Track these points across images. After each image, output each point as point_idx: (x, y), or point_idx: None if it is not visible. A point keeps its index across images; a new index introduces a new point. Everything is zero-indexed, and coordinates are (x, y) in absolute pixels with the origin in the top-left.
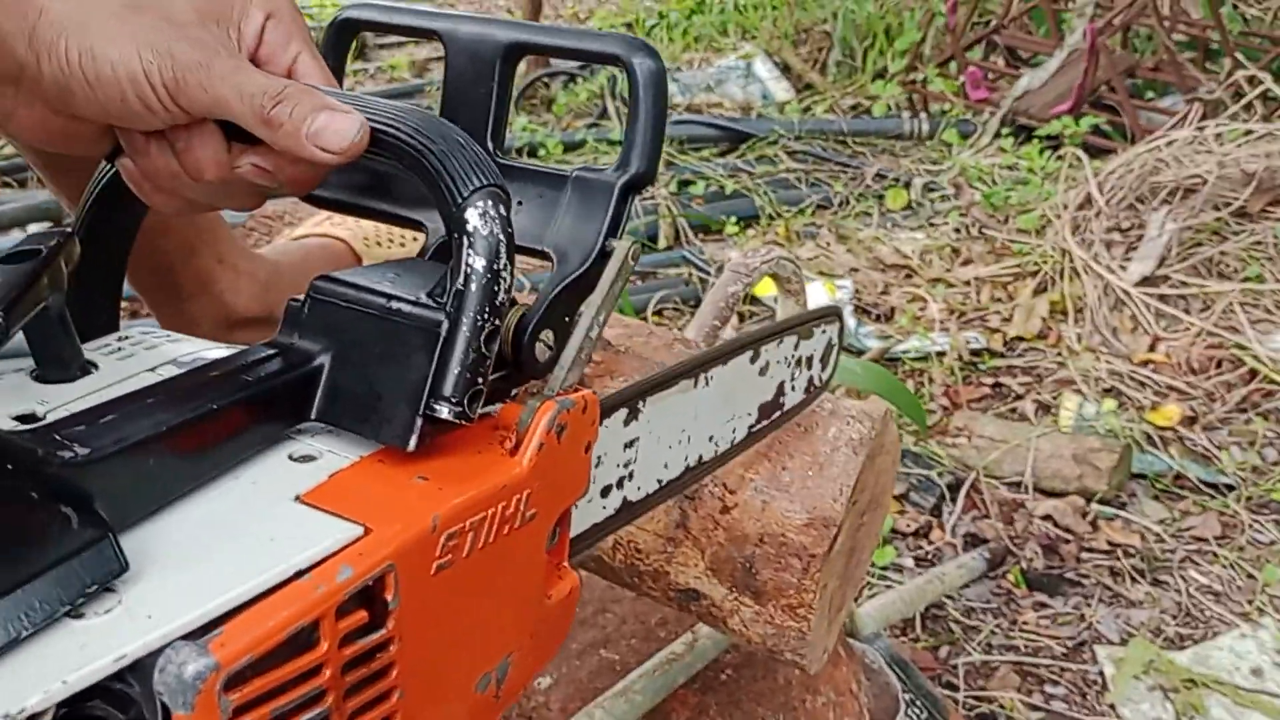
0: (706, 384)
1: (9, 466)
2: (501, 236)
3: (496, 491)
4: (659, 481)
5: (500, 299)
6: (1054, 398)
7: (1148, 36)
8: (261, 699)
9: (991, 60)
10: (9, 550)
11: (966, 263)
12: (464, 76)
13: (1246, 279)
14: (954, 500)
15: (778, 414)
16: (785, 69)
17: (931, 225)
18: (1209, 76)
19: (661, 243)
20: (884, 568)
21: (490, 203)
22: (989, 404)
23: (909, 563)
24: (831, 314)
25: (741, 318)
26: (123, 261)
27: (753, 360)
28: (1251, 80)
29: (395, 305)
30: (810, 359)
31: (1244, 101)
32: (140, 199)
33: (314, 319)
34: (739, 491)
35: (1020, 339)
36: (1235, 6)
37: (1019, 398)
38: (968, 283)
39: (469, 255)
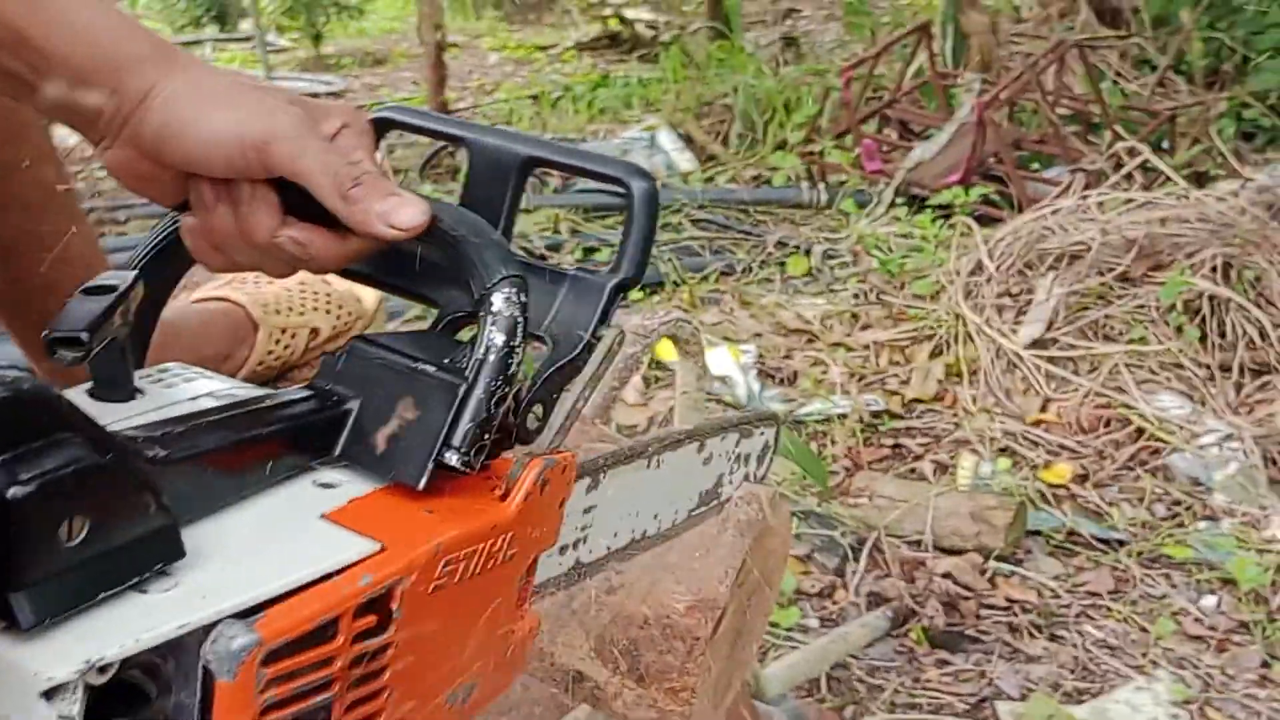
0: (658, 465)
1: (111, 455)
2: (520, 319)
3: (488, 529)
4: (607, 548)
5: (512, 371)
6: (951, 458)
7: (1033, 111)
8: (286, 678)
9: (885, 133)
10: (104, 521)
11: (865, 327)
12: (483, 181)
13: (1131, 341)
14: (857, 560)
15: (715, 502)
16: (688, 141)
17: (831, 291)
18: (1091, 148)
19: None
20: (789, 628)
21: (514, 290)
22: (889, 464)
23: (814, 623)
24: (771, 418)
25: (647, 383)
26: (159, 307)
27: (699, 450)
28: (1131, 151)
29: (421, 366)
30: (749, 457)
31: (1124, 171)
32: (193, 254)
33: (348, 370)
34: (625, 570)
35: (918, 401)
36: (1115, 82)
37: (918, 458)
38: (867, 347)
39: (491, 331)
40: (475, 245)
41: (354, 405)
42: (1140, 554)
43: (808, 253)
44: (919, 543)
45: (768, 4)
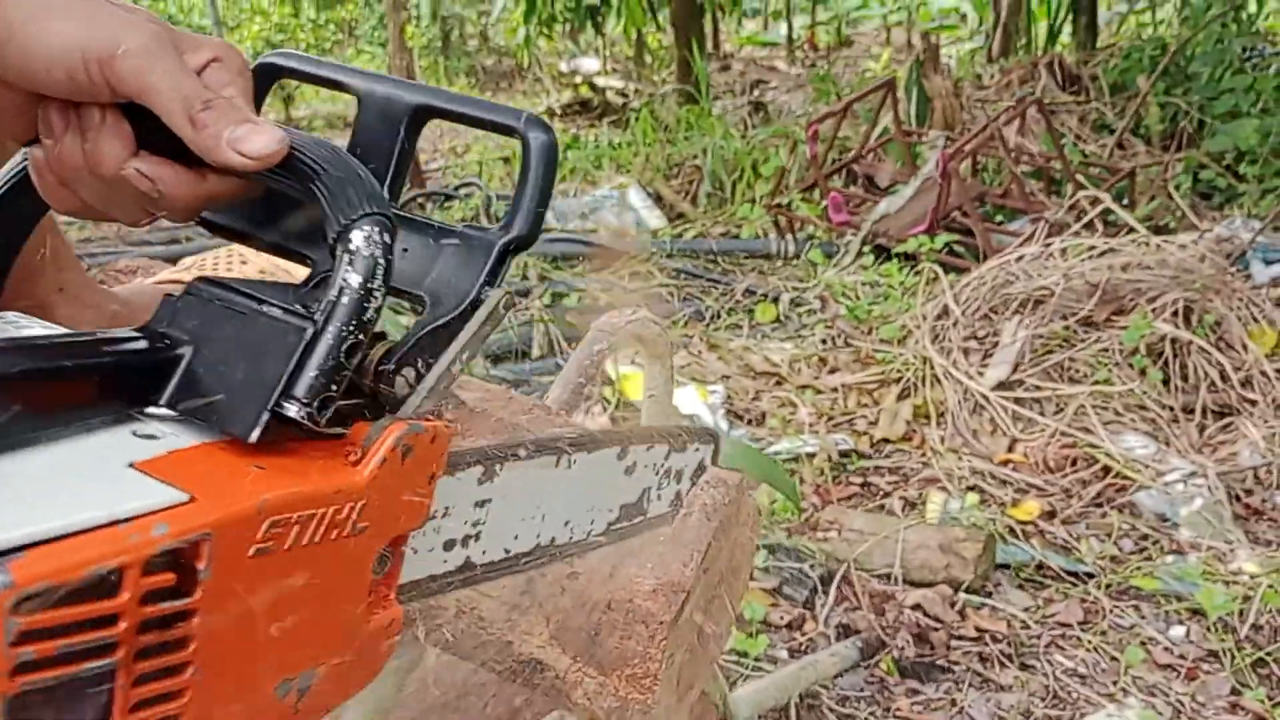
0: (569, 466)
1: None
2: (381, 260)
3: (330, 494)
4: (506, 550)
5: (369, 316)
6: (920, 495)
7: (995, 169)
8: (52, 632)
9: (851, 188)
10: None
11: (833, 371)
12: (372, 130)
13: (1096, 382)
14: (826, 592)
15: (639, 519)
16: (658, 199)
17: (799, 336)
18: (1053, 202)
19: (535, 351)
20: (757, 658)
21: (376, 229)
22: (858, 501)
23: (783, 654)
24: (708, 436)
25: (612, 420)
26: (11, 252)
27: (620, 457)
28: (1093, 201)
29: (265, 309)
30: (680, 473)
31: (1086, 220)
32: (40, 191)
33: (185, 312)
34: (587, 556)
35: (886, 441)
36: (1075, 143)
37: (886, 495)
38: (835, 389)
39: (346, 271)
40: (336, 179)
41: (187, 350)
42: (1109, 586)
43: (775, 300)
44: (888, 575)
45: (736, 75)
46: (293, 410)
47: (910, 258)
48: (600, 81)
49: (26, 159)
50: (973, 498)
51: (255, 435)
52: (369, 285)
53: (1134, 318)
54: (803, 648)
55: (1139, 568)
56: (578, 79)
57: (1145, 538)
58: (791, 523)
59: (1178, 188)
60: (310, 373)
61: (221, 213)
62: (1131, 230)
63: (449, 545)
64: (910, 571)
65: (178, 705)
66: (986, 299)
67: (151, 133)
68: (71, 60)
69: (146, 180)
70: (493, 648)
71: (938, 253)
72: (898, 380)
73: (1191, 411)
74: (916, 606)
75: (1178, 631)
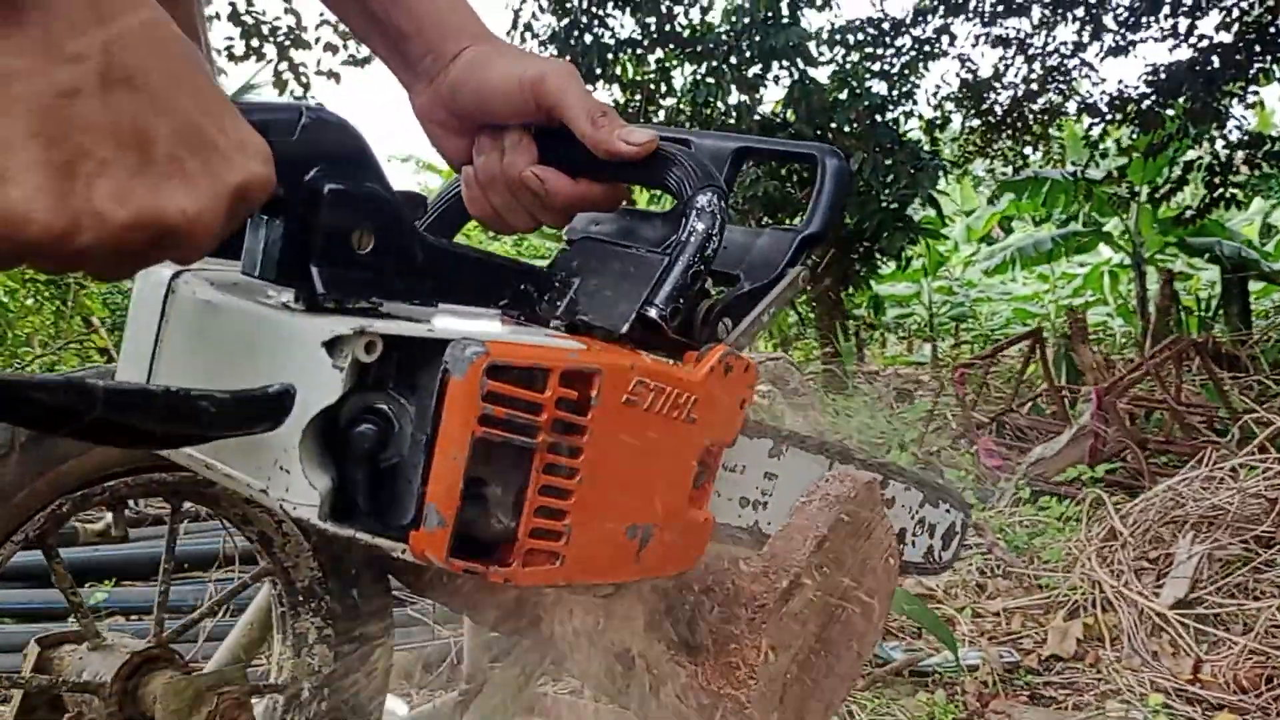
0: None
1: (395, 196)
2: (718, 215)
3: (673, 379)
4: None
5: (709, 253)
6: (1098, 709)
7: (1155, 421)
8: (503, 400)
9: (1001, 436)
10: (386, 244)
11: (992, 597)
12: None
13: None
14: None
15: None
16: None
17: (953, 566)
18: (1216, 447)
19: None
20: None
21: (714, 195)
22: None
23: None
24: (962, 503)
25: None
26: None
27: (882, 485)
28: (1260, 422)
29: (632, 249)
30: (934, 528)
31: (1256, 442)
32: (465, 199)
33: (574, 254)
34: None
35: (1057, 658)
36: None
37: (1060, 705)
38: (997, 613)
39: (695, 220)
40: (688, 163)
41: (576, 279)
42: None
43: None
44: None
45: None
46: (652, 312)
47: (1069, 484)
48: None
49: (459, 183)
50: (1157, 698)
51: (625, 329)
52: (710, 230)
53: None
54: None
55: None
56: None
57: None
58: (956, 715)
59: None
60: (665, 287)
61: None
62: None
63: (744, 502)
64: None
65: (567, 504)
66: (1156, 520)
67: (548, 150)
68: (510, 85)
69: (537, 180)
70: (586, 638)
71: (1099, 480)
72: (1063, 604)
73: None
74: None
75: None
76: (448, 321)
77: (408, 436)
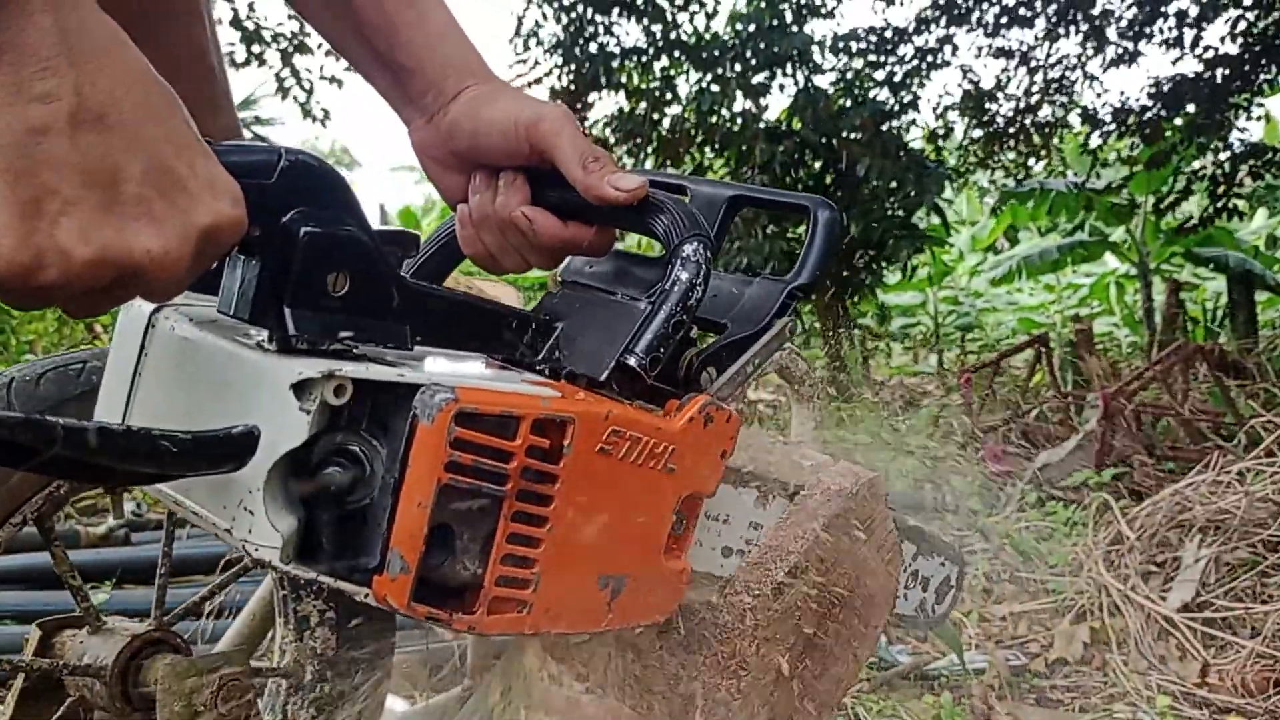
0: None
1: (373, 240)
2: (703, 265)
3: (651, 428)
4: None
5: (692, 302)
6: (1106, 711)
7: (1163, 427)
8: (471, 447)
9: (1007, 441)
10: (361, 288)
11: (998, 601)
12: (701, 213)
13: None
14: None
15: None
16: None
17: None
18: (1229, 448)
19: None
20: None
21: (700, 244)
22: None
23: None
24: (955, 555)
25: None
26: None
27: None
28: (1267, 426)
29: (616, 297)
30: (927, 581)
31: (1263, 446)
32: (458, 237)
33: (558, 301)
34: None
35: (1063, 661)
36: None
37: (1066, 708)
38: (1003, 617)
39: (679, 269)
40: (676, 212)
41: (560, 324)
42: None
43: None
44: None
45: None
46: (632, 361)
47: (1075, 489)
48: (751, 394)
49: (454, 221)
50: (1165, 698)
51: (604, 375)
52: (694, 280)
53: None
54: None
55: None
56: None
57: None
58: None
59: None
60: (646, 336)
61: (575, 272)
62: None
63: (726, 552)
64: None
65: (536, 552)
66: (1163, 525)
67: (541, 192)
68: (507, 126)
69: (526, 220)
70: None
71: (1105, 485)
72: (1070, 609)
73: None
74: None
75: None
76: (429, 365)
77: (379, 479)
